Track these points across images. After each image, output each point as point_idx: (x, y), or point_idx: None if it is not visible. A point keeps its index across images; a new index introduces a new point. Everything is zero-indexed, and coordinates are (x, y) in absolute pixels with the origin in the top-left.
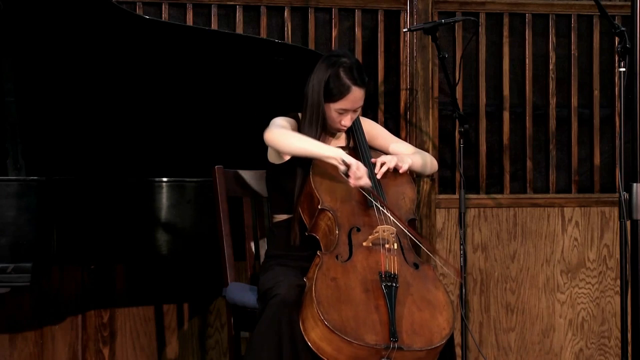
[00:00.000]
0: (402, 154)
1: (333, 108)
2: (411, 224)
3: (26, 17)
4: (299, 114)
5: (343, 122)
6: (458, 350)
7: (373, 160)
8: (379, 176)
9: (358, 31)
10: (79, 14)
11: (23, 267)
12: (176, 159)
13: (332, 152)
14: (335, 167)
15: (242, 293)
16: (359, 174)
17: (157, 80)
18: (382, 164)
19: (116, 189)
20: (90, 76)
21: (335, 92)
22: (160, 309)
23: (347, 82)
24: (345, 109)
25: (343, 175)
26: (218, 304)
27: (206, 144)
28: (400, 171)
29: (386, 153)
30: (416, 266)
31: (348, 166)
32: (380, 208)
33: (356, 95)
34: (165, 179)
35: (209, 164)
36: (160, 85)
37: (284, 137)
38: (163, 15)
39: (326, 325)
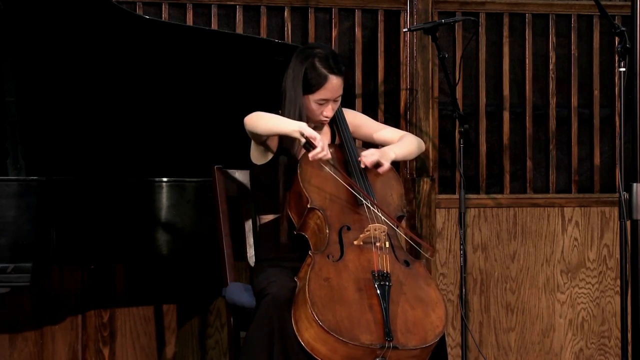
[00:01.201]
0: (384, 149)
1: (312, 100)
2: (400, 220)
3: (26, 17)
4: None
5: (325, 113)
6: (458, 350)
7: (360, 158)
8: (363, 165)
9: (358, 31)
10: (79, 14)
11: (23, 267)
12: (176, 159)
13: (294, 126)
14: (322, 166)
15: (241, 293)
16: (320, 147)
17: (157, 81)
18: (365, 157)
19: (116, 189)
20: (90, 76)
21: (313, 83)
22: (160, 309)
23: (324, 71)
24: (325, 99)
25: (304, 149)
26: (218, 304)
27: (206, 144)
28: (380, 170)
29: (372, 142)
30: (407, 264)
31: (308, 139)
32: (370, 207)
33: (334, 84)
34: (165, 179)
35: (209, 164)
36: (160, 85)
37: (257, 119)
38: (163, 15)
39: (321, 325)
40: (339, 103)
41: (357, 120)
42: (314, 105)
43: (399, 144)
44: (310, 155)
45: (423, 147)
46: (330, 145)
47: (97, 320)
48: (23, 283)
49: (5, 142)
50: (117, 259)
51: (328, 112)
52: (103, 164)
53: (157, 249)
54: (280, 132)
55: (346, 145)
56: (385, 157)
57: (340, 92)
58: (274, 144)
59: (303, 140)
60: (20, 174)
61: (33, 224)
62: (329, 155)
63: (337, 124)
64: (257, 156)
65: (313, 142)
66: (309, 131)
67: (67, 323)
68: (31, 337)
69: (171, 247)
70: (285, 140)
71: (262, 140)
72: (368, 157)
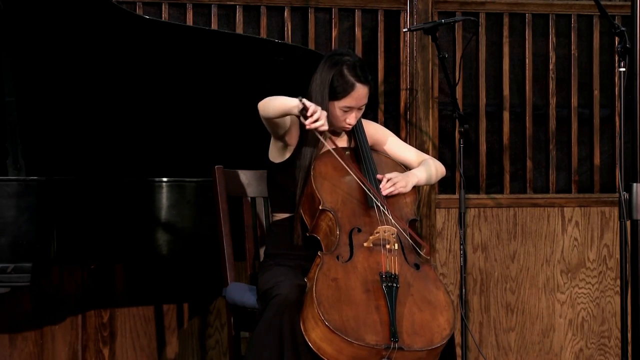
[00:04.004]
0: (409, 175)
1: (337, 106)
2: (412, 224)
3: (26, 17)
4: None
5: (348, 121)
6: (458, 350)
7: (380, 175)
8: (384, 192)
9: (358, 31)
10: (79, 14)
11: (23, 267)
12: (176, 159)
13: (294, 101)
14: (336, 168)
15: (242, 293)
16: (316, 117)
17: (157, 81)
18: (388, 181)
19: (116, 189)
20: (90, 76)
21: (339, 90)
22: (160, 309)
23: (351, 79)
24: (350, 106)
25: (302, 119)
26: (218, 304)
27: (206, 144)
28: (401, 193)
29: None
30: (417, 267)
31: (306, 108)
32: (381, 207)
33: (360, 92)
34: (165, 179)
35: (209, 164)
36: (160, 85)
37: (267, 102)
38: (163, 15)
39: (327, 325)
40: (362, 111)
41: (379, 135)
42: (338, 112)
43: (422, 169)
44: (306, 123)
45: (444, 172)
46: (345, 149)
47: (97, 320)
48: (23, 283)
49: (5, 142)
50: (117, 259)
51: (351, 119)
52: (103, 163)
53: (157, 249)
54: (285, 109)
55: (361, 149)
56: (409, 184)
57: (365, 101)
58: (292, 140)
59: (301, 105)
60: (20, 174)
61: (33, 224)
62: (326, 126)
63: (354, 131)
64: (275, 154)
65: (309, 110)
66: (307, 102)
67: (67, 323)
68: (31, 337)
69: (171, 247)
70: (304, 140)
71: (278, 130)
72: (395, 183)
